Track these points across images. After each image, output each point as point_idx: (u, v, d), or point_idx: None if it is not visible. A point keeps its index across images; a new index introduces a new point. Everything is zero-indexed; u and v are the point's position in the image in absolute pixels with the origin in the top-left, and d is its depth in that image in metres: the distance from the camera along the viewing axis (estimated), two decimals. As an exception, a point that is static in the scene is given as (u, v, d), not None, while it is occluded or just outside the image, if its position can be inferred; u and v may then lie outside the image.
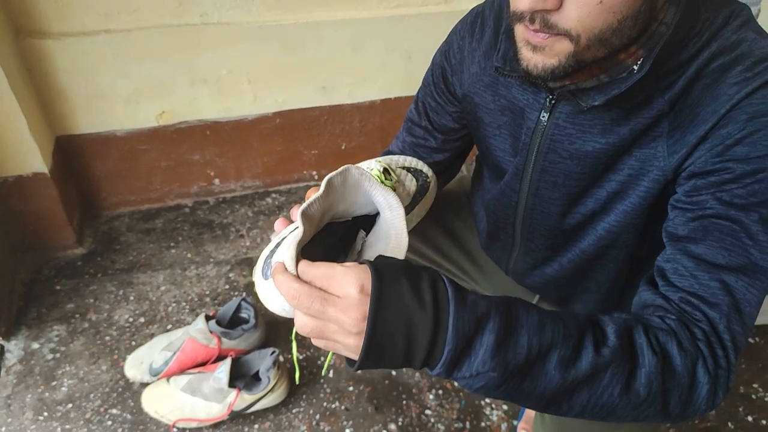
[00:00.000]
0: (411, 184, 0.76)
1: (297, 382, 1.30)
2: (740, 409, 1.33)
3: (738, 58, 0.58)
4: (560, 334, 0.50)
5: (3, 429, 1.20)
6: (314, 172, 1.79)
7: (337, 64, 1.54)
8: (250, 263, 1.57)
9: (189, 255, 1.59)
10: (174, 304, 1.45)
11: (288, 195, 1.78)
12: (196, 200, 1.74)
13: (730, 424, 1.30)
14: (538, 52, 0.57)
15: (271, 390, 1.22)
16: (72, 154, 1.50)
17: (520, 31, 0.58)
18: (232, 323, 1.31)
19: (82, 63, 1.35)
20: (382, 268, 0.49)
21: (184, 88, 1.47)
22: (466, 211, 1.03)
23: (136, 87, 1.42)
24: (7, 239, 1.43)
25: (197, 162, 1.64)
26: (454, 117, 0.84)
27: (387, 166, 0.70)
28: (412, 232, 1.01)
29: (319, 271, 0.50)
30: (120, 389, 1.28)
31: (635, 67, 0.59)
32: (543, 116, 0.69)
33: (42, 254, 1.54)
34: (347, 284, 0.48)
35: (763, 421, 1.31)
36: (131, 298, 1.47)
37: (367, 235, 0.65)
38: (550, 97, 0.67)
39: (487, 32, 0.74)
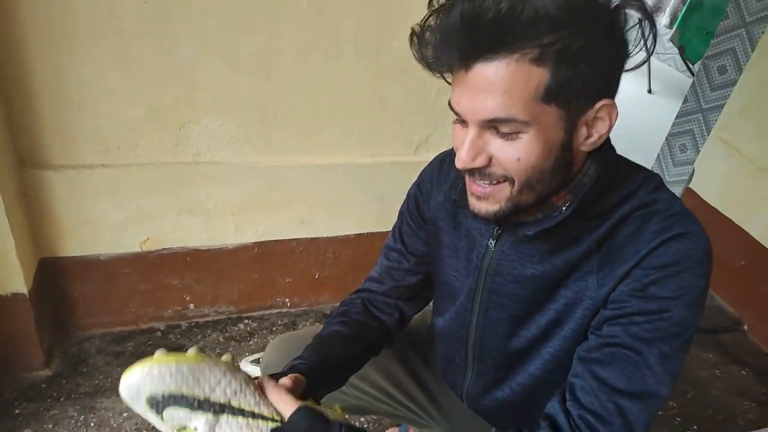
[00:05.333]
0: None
1: None
2: None
3: (655, 212, 0.70)
4: None
5: None
6: (287, 300, 1.85)
7: (316, 201, 1.68)
8: (217, 390, 1.57)
9: (156, 380, 1.58)
10: (135, 432, 1.43)
11: (260, 321, 1.82)
12: (169, 324, 1.76)
13: None
14: (482, 201, 0.70)
15: None
16: (54, 274, 1.55)
17: (468, 183, 0.72)
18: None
19: (78, 193, 1.45)
20: None
21: (171, 217, 1.57)
22: (425, 347, 1.10)
23: (126, 215, 1.52)
24: (-26, 358, 1.43)
25: (175, 287, 1.70)
26: (424, 240, 0.94)
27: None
28: (375, 369, 1.07)
29: None
30: None
31: (564, 208, 0.71)
32: (491, 243, 0.80)
33: (7, 374, 1.52)
34: None
35: None
36: (92, 424, 1.44)
37: None
38: (497, 228, 0.79)
39: (453, 170, 0.87)
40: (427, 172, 0.94)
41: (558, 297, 0.76)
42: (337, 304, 0.99)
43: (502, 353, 0.86)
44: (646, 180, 0.73)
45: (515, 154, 0.65)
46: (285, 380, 0.71)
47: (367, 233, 1.79)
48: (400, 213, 0.99)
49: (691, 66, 3.92)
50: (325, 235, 1.76)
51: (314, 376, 0.78)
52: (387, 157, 1.66)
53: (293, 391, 0.70)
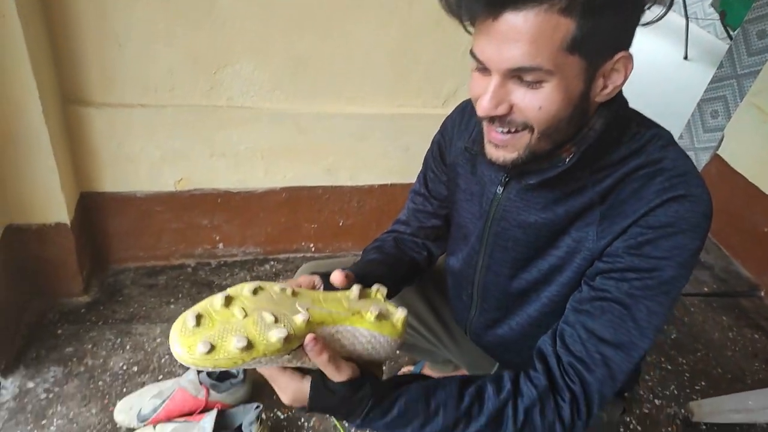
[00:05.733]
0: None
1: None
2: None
3: (660, 171, 0.72)
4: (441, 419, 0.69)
5: (-11, 462, 1.25)
6: (311, 244, 1.92)
7: (342, 149, 1.72)
8: (243, 324, 1.66)
9: (186, 312, 1.68)
10: (167, 356, 1.53)
11: (285, 263, 1.90)
12: (199, 261, 1.85)
13: None
14: (500, 149, 0.73)
15: (252, 444, 1.28)
16: (93, 209, 1.64)
17: (486, 130, 0.75)
18: (221, 377, 1.39)
19: (117, 130, 1.51)
20: (315, 404, 0.68)
21: (204, 159, 1.63)
22: (446, 285, 1.16)
23: (162, 154, 1.59)
24: (20, 283, 1.53)
25: (205, 226, 1.78)
26: (445, 185, 1.00)
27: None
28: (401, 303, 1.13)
29: (266, 373, 0.69)
30: (106, 433, 1.34)
31: (567, 160, 0.74)
32: (498, 190, 0.85)
33: (49, 299, 1.64)
34: (283, 394, 0.68)
35: None
36: (127, 347, 1.55)
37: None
38: (505, 176, 0.83)
39: (473, 119, 0.92)
40: (450, 120, 0.98)
41: (560, 244, 0.80)
42: (359, 252, 1.05)
43: (504, 293, 0.91)
44: (656, 136, 0.75)
45: (537, 102, 0.67)
46: (337, 274, 0.75)
47: (390, 184, 1.84)
48: (425, 159, 1.04)
49: (730, 32, 3.81)
50: (349, 184, 1.81)
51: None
52: (414, 109, 1.69)
53: (347, 285, 0.75)
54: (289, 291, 0.68)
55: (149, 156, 1.59)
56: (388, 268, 0.94)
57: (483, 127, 0.75)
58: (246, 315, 0.62)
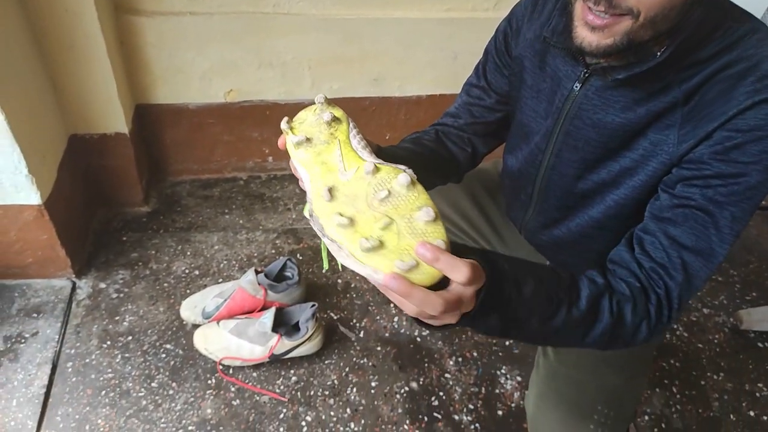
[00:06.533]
0: None
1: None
2: (743, 404, 1.41)
3: (752, 69, 0.67)
4: (547, 301, 0.65)
5: (73, 351, 1.36)
6: (359, 159, 1.94)
7: (389, 58, 1.69)
8: (295, 233, 1.72)
9: (241, 221, 1.75)
10: (225, 262, 1.61)
11: (333, 177, 1.93)
12: (251, 174, 1.90)
13: (732, 416, 1.38)
14: (596, 33, 0.65)
15: (309, 339, 1.35)
16: (148, 120, 1.68)
17: (580, 10, 0.66)
18: (277, 279, 1.46)
19: (167, 40, 1.53)
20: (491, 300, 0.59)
21: (252, 69, 1.64)
22: (494, 186, 1.16)
23: (211, 65, 1.60)
24: (86, 191, 1.61)
25: (255, 139, 1.81)
26: (507, 79, 0.94)
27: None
28: (444, 200, 1.14)
29: (442, 265, 0.53)
30: (174, 328, 1.43)
31: (659, 54, 0.69)
32: (576, 86, 0.80)
33: (113, 208, 1.72)
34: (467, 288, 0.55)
35: (764, 417, 1.38)
36: (188, 253, 1.63)
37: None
38: (585, 71, 0.78)
39: (547, 6, 0.85)
40: (520, 7, 0.91)
41: (635, 146, 0.77)
42: None
43: (567, 194, 0.89)
44: (752, 31, 0.69)
45: None
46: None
47: (439, 95, 1.81)
48: (486, 50, 0.98)
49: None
50: (397, 95, 1.79)
51: None
52: (464, 13, 1.63)
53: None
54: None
55: (199, 67, 1.60)
56: (419, 160, 0.88)
57: (575, 9, 0.68)
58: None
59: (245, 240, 1.69)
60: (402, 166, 0.61)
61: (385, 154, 0.79)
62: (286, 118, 0.72)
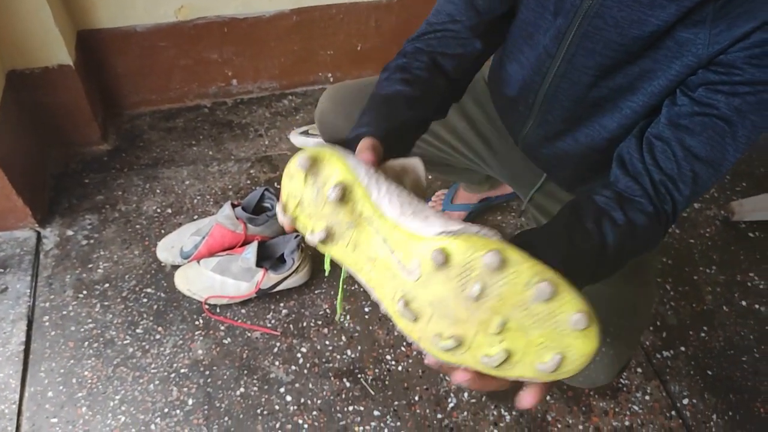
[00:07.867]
0: None
1: (326, 273, 1.38)
2: (735, 295, 1.41)
3: None
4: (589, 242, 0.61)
5: (47, 304, 1.29)
6: (329, 74, 1.81)
7: (354, -42, 1.53)
8: (270, 161, 1.62)
9: (210, 152, 1.63)
10: (199, 197, 1.52)
11: (304, 97, 1.81)
12: (215, 101, 1.77)
13: (725, 308, 1.39)
14: None
15: (296, 270, 1.30)
16: (94, 48, 1.52)
17: None
18: (256, 212, 1.38)
19: (101, -48, 1.35)
20: None
21: (202, -19, 1.47)
22: (482, 95, 1.06)
23: (155, -21, 1.43)
24: (36, 133, 1.48)
25: (215, 61, 1.66)
26: None
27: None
28: (437, 122, 1.04)
29: None
30: (153, 271, 1.36)
31: None
32: None
33: (69, 149, 1.59)
34: None
35: (756, 306, 1.39)
36: (157, 191, 1.53)
37: None
38: None
39: None
40: None
41: (660, 45, 0.67)
42: None
43: (576, 103, 0.79)
44: None
45: None
46: (366, 154, 0.57)
47: (410, -3, 1.66)
48: None
49: None
50: (365, 0, 1.64)
51: (381, 144, 0.64)
52: None
53: (375, 162, 0.58)
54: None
55: (142, -18, 1.43)
56: (415, 107, 0.73)
57: None
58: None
59: (217, 172, 1.58)
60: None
61: (390, 137, 0.65)
62: (279, 207, 0.54)
